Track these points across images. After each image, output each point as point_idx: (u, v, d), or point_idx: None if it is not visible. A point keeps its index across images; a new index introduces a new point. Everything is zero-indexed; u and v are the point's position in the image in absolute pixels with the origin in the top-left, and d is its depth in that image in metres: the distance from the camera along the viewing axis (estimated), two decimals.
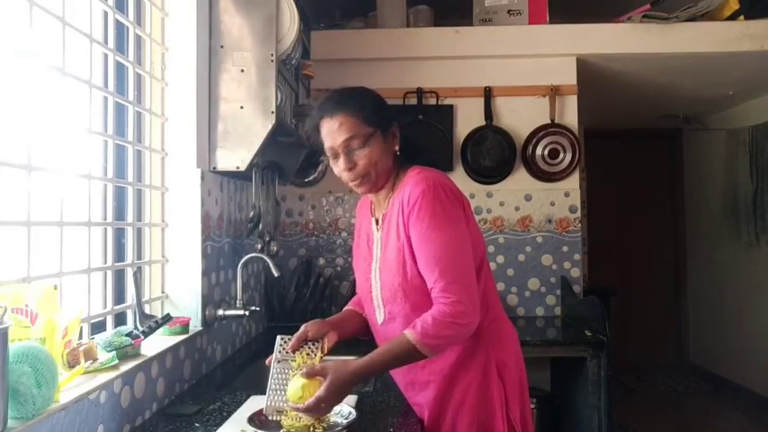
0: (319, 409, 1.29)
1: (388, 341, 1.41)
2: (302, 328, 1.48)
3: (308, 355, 1.43)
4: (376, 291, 1.50)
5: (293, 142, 2.46)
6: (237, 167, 2.00)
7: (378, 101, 1.49)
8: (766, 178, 4.28)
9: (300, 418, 1.31)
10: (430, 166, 1.51)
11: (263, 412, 1.35)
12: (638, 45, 3.09)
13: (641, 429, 3.99)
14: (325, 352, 1.45)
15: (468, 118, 3.17)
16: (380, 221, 1.52)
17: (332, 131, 1.43)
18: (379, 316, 1.52)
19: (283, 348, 1.45)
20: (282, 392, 1.36)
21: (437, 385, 1.46)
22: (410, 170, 1.48)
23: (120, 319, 1.70)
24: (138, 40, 1.83)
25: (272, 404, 1.35)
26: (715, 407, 4.58)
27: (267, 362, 1.44)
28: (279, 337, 1.47)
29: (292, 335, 1.47)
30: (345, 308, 1.70)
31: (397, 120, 1.51)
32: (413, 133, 1.55)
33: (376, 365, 1.35)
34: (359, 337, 1.63)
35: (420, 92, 3.15)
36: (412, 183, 1.42)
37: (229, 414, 1.47)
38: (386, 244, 1.47)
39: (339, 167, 1.46)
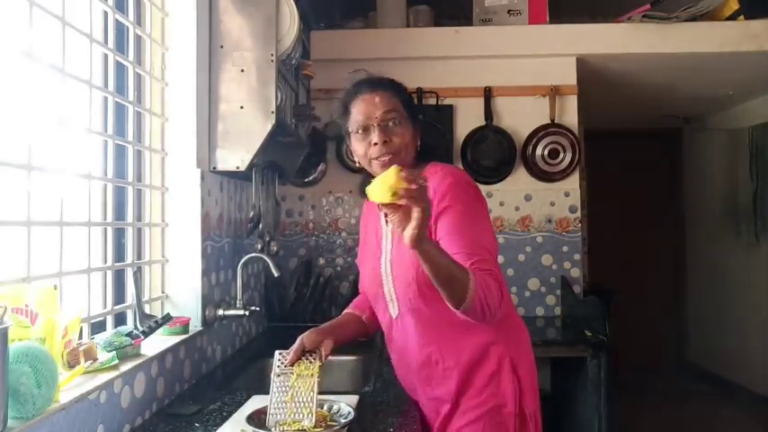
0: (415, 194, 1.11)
1: (405, 334, 1.47)
2: (298, 340, 1.47)
3: (306, 367, 1.43)
4: (388, 285, 1.50)
5: (293, 142, 2.46)
6: (237, 167, 2.00)
7: (411, 97, 1.56)
8: (766, 178, 4.28)
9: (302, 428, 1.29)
10: None
11: (267, 425, 1.33)
12: (638, 45, 3.09)
13: (641, 429, 3.99)
14: (323, 361, 1.45)
15: (468, 118, 3.18)
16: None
17: (370, 104, 1.43)
18: (393, 310, 1.52)
19: (282, 363, 1.44)
20: (284, 406, 1.35)
21: (457, 378, 1.46)
22: (429, 166, 1.49)
23: (120, 319, 1.70)
24: (138, 40, 1.83)
25: (274, 418, 1.33)
26: (715, 407, 4.58)
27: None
28: (277, 353, 1.46)
29: (290, 345, 1.46)
30: (344, 311, 1.69)
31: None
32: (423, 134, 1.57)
33: (438, 249, 1.23)
34: (357, 339, 1.63)
35: (420, 92, 3.14)
36: (439, 176, 1.42)
37: (229, 414, 1.47)
38: (398, 238, 1.44)
39: (369, 141, 1.43)
